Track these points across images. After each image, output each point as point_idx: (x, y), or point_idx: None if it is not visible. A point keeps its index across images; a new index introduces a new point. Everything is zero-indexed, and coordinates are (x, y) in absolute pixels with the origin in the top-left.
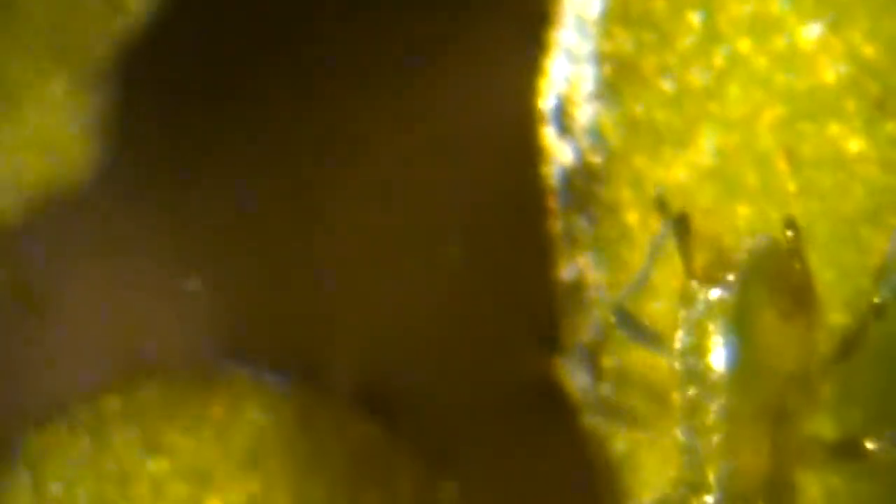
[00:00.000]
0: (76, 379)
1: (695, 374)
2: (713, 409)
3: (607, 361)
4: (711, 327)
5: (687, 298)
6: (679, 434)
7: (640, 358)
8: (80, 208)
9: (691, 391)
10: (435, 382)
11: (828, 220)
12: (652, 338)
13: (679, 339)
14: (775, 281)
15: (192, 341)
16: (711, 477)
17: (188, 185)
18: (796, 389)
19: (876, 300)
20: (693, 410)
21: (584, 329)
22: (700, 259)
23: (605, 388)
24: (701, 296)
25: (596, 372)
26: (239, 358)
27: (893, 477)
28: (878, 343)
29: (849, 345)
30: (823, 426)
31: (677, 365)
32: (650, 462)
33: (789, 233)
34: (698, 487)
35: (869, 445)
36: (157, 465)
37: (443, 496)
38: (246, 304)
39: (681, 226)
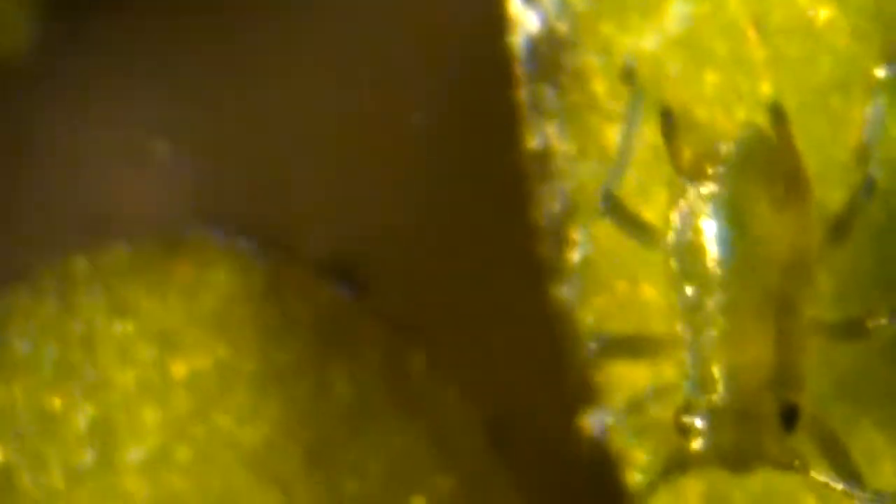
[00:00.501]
0: (42, 242)
1: (691, 271)
2: (713, 305)
3: (574, 233)
4: (704, 222)
5: (677, 195)
6: (680, 332)
7: (608, 229)
8: (46, 75)
9: (689, 289)
10: (403, 251)
11: (797, 89)
12: (643, 229)
13: (672, 236)
14: (765, 170)
15: (160, 206)
16: (716, 373)
17: (155, 51)
18: (796, 277)
19: (864, 177)
20: (693, 308)
21: (552, 199)
22: (688, 154)
23: (573, 259)
24: (691, 191)
25: (563, 244)
26: (207, 223)
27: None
28: (873, 222)
29: (842, 226)
30: (824, 311)
31: (672, 263)
32: (619, 330)
33: (775, 119)
34: (703, 385)
35: (870, 324)
36: (122, 328)
37: (411, 365)
38: (215, 169)
39: (667, 121)
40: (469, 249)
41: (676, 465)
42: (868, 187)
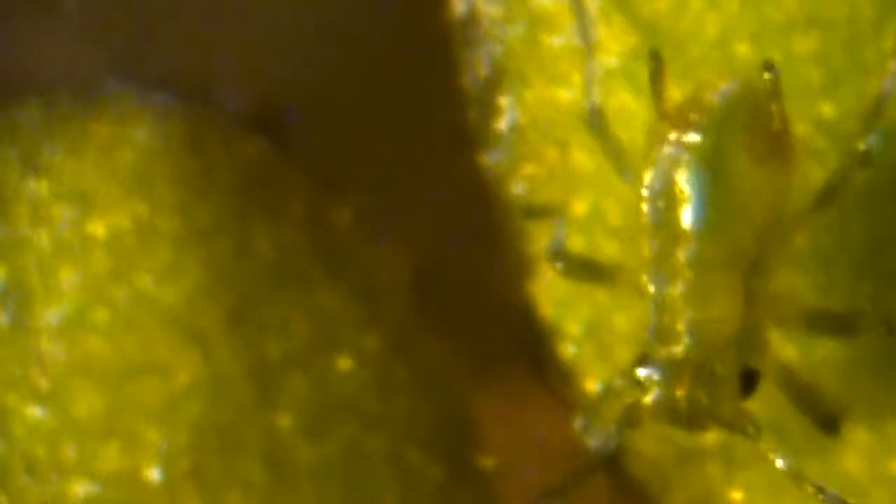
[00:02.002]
0: None
1: (663, 219)
2: (682, 257)
3: (503, 100)
4: (681, 171)
5: (657, 138)
6: (647, 282)
7: (537, 95)
8: None
9: (659, 237)
10: (328, 105)
11: (789, 48)
12: (622, 156)
13: (647, 181)
14: (749, 125)
15: (75, 60)
16: (679, 326)
17: None
18: (770, 238)
19: (861, 147)
20: (661, 258)
21: (479, 64)
22: (672, 99)
23: (501, 126)
24: (672, 137)
25: (490, 110)
26: (124, 77)
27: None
28: (862, 194)
29: (831, 192)
30: (802, 285)
31: (644, 209)
32: (549, 199)
33: (767, 75)
34: (664, 337)
35: (861, 326)
36: (36, 187)
37: (336, 221)
38: (130, 22)
39: (654, 62)
40: (396, 110)
41: (629, 419)
42: (864, 157)
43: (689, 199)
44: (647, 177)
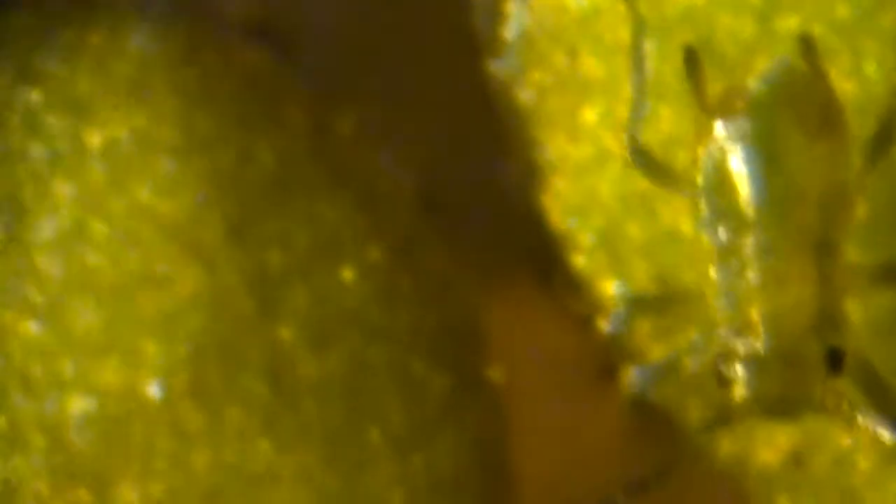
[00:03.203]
0: None
1: (723, 212)
2: (749, 247)
3: (510, 6)
4: (735, 160)
5: (703, 134)
6: (715, 278)
7: (546, 1)
8: None
9: (722, 231)
10: (329, 11)
11: (827, 21)
12: (671, 175)
13: (701, 178)
14: (797, 102)
15: None
16: (756, 318)
17: None
18: (834, 213)
19: None
20: (727, 251)
21: None
22: (714, 91)
23: (509, 33)
24: (719, 129)
25: (497, 16)
26: None
27: None
28: None
29: (881, 142)
30: (856, 250)
31: (703, 206)
32: (559, 106)
33: (805, 50)
34: (742, 331)
35: None
36: (31, 96)
37: (339, 130)
38: None
39: (690, 60)
40: (400, 17)
41: (721, 418)
42: None
43: (747, 188)
44: (702, 175)
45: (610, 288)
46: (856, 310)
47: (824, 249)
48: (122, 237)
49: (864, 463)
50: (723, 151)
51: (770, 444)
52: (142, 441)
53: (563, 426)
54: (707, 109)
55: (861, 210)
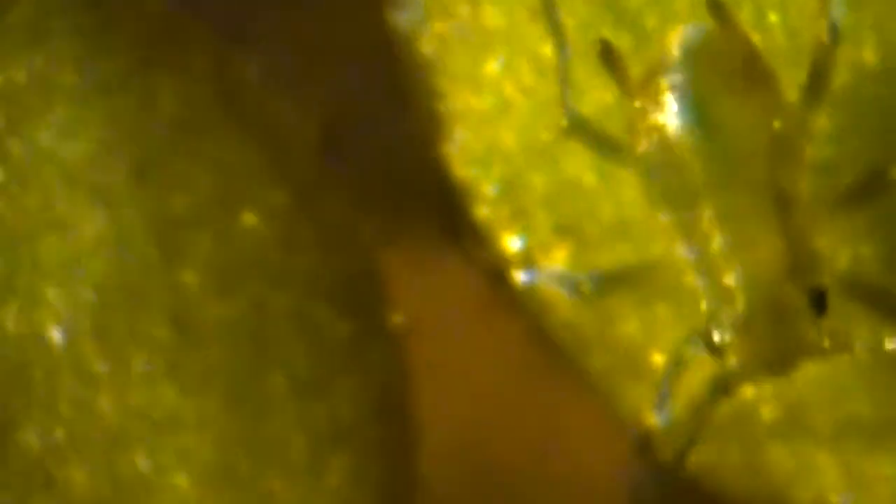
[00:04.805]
0: None
1: (675, 190)
2: (707, 217)
3: None
4: (673, 136)
5: (637, 119)
6: (686, 256)
7: None
8: None
9: (678, 208)
10: None
11: None
12: (615, 148)
13: (645, 162)
14: (718, 64)
15: None
16: (733, 282)
17: None
18: (784, 161)
19: (826, 22)
20: (688, 226)
21: None
22: (635, 74)
23: None
24: (650, 109)
25: None
26: None
27: None
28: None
29: (816, 82)
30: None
31: (653, 189)
32: (461, 57)
33: (715, 12)
34: (723, 298)
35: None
36: None
37: (243, 75)
38: None
39: (606, 53)
40: None
41: (720, 389)
42: (832, 32)
43: (692, 159)
44: (643, 158)
45: (512, 239)
46: (844, 232)
47: (782, 199)
48: (21, 181)
49: (767, 414)
50: (659, 130)
51: (673, 396)
52: (44, 386)
53: (467, 368)
54: (633, 94)
55: (811, 151)
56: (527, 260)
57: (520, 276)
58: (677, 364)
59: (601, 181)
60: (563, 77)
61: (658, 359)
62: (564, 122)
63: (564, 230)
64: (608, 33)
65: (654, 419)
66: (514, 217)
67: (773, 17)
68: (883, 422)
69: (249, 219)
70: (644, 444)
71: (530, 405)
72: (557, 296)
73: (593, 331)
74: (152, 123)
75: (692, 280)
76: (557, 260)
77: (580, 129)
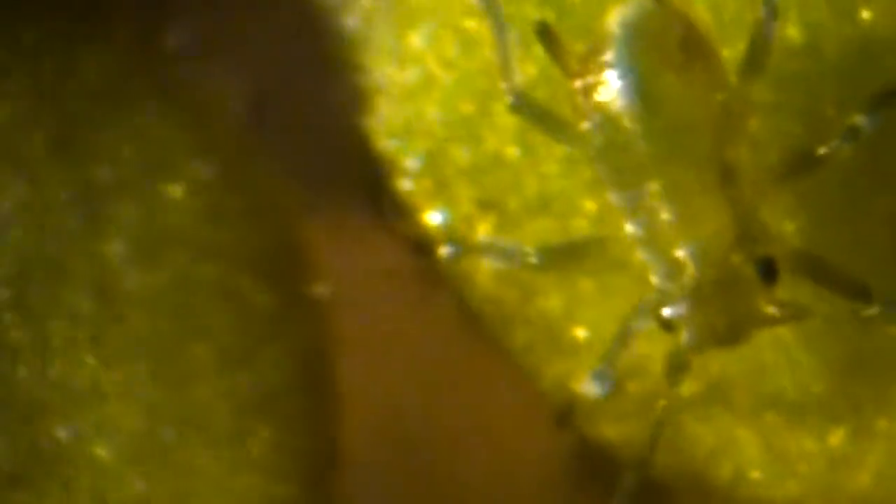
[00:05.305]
0: None
1: (620, 167)
2: (653, 192)
3: None
4: (615, 113)
5: (580, 99)
6: (631, 231)
7: None
8: None
9: (624, 186)
10: None
11: None
12: (559, 123)
13: (589, 140)
14: (656, 40)
15: None
16: (681, 256)
17: None
18: (726, 133)
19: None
20: (634, 202)
21: None
22: (575, 53)
23: None
24: (592, 89)
25: None
26: None
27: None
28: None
29: (755, 55)
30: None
31: (598, 167)
32: (385, 31)
33: None
34: (672, 273)
35: (822, 151)
36: None
37: (167, 43)
38: None
39: (543, 34)
40: None
41: (676, 366)
42: (769, 6)
43: (634, 137)
44: (587, 137)
45: (434, 213)
46: (790, 206)
47: (727, 171)
48: None
49: (686, 390)
50: (601, 109)
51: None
52: None
53: (390, 340)
54: (573, 75)
55: (753, 122)
56: (450, 233)
57: (443, 250)
58: (624, 337)
59: (524, 155)
60: (504, 54)
61: (580, 333)
62: (509, 100)
63: (487, 204)
64: (531, 10)
65: (584, 389)
66: (436, 190)
67: None
68: (804, 398)
69: (174, 190)
70: (565, 415)
71: (453, 378)
72: (480, 270)
73: (515, 305)
74: (73, 91)
75: (618, 254)
76: (480, 233)
77: (525, 106)
